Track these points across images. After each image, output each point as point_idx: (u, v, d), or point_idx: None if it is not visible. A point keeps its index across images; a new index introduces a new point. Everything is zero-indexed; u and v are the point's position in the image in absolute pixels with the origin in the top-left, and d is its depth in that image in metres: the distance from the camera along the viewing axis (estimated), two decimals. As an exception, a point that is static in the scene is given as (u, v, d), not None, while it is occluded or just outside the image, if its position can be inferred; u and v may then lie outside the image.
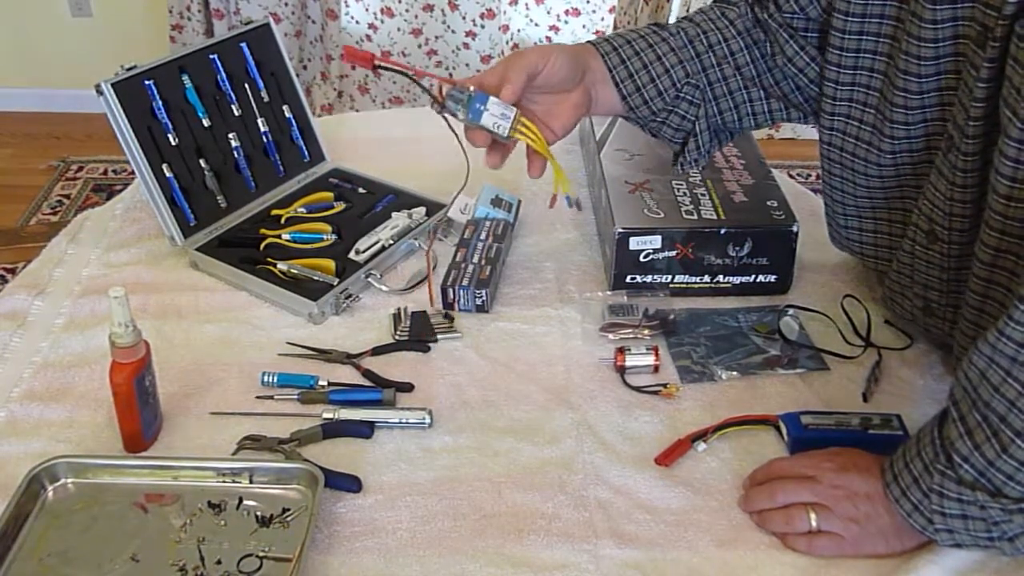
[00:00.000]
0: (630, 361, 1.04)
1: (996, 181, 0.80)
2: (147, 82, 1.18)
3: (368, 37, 3.38)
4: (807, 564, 0.83)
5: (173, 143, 1.21)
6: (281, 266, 1.16)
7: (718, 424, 0.96)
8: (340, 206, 1.29)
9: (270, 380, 1.01)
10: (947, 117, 0.89)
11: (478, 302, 1.13)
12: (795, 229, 1.13)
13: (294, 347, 1.07)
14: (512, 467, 0.93)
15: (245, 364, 1.04)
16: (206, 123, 1.25)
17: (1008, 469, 0.74)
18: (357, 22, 3.36)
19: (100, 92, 1.14)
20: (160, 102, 1.20)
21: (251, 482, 0.88)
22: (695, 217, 1.14)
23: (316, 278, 1.15)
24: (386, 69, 0.98)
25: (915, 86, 0.90)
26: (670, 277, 1.15)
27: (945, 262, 0.93)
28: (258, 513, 0.86)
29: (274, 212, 1.28)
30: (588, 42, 1.05)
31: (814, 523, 0.84)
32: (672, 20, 1.16)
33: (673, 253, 1.13)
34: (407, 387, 1.02)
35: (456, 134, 0.98)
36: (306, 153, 1.37)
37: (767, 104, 1.07)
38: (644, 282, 1.15)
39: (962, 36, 0.84)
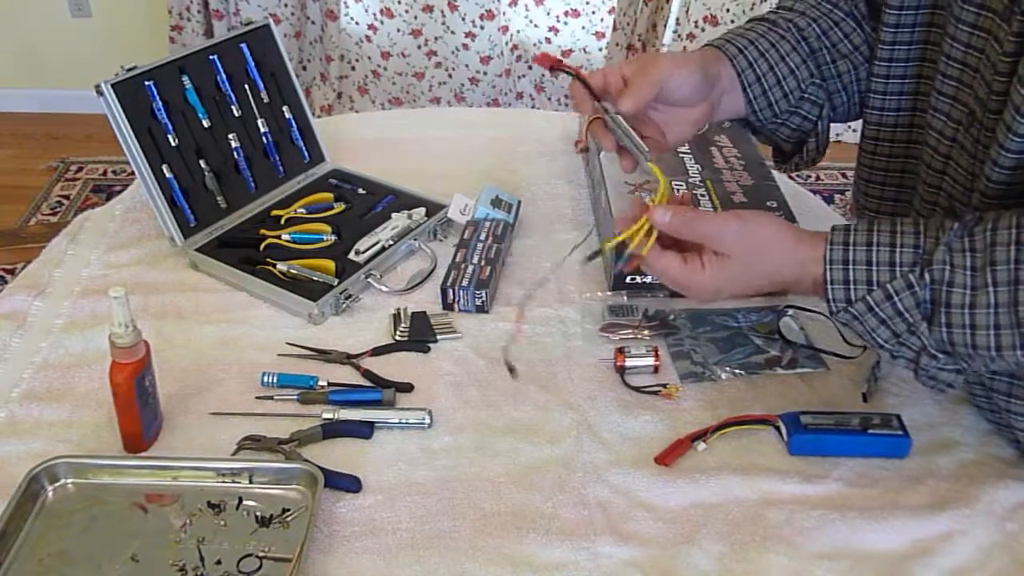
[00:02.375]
0: (630, 361, 1.04)
1: (1000, 154, 0.80)
2: (147, 83, 1.18)
3: (367, 38, 3.38)
4: (806, 563, 0.83)
5: (173, 144, 1.21)
6: (281, 266, 1.16)
7: (718, 424, 0.96)
8: (340, 207, 1.29)
9: (270, 380, 1.01)
10: (962, 94, 0.88)
11: (478, 302, 1.13)
12: (795, 229, 1.13)
13: (294, 347, 1.07)
14: (512, 467, 0.93)
15: (245, 364, 1.04)
16: (206, 124, 1.25)
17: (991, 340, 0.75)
18: (357, 23, 3.36)
19: (100, 93, 1.14)
20: (160, 103, 1.20)
21: (251, 482, 0.88)
22: (695, 217, 1.14)
23: (316, 278, 1.15)
24: (563, 71, 0.94)
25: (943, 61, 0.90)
26: (670, 277, 1.15)
27: None
28: (258, 513, 0.86)
29: (274, 213, 1.28)
30: (713, 44, 1.02)
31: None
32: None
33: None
34: (407, 387, 1.02)
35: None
36: (306, 154, 1.37)
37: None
38: (644, 282, 1.15)
39: (987, 8, 0.84)
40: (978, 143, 0.85)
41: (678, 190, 1.20)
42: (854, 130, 3.17)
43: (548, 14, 3.34)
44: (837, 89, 1.05)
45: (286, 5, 3.28)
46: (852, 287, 0.80)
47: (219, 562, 0.81)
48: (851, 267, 0.80)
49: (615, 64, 0.97)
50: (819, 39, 1.03)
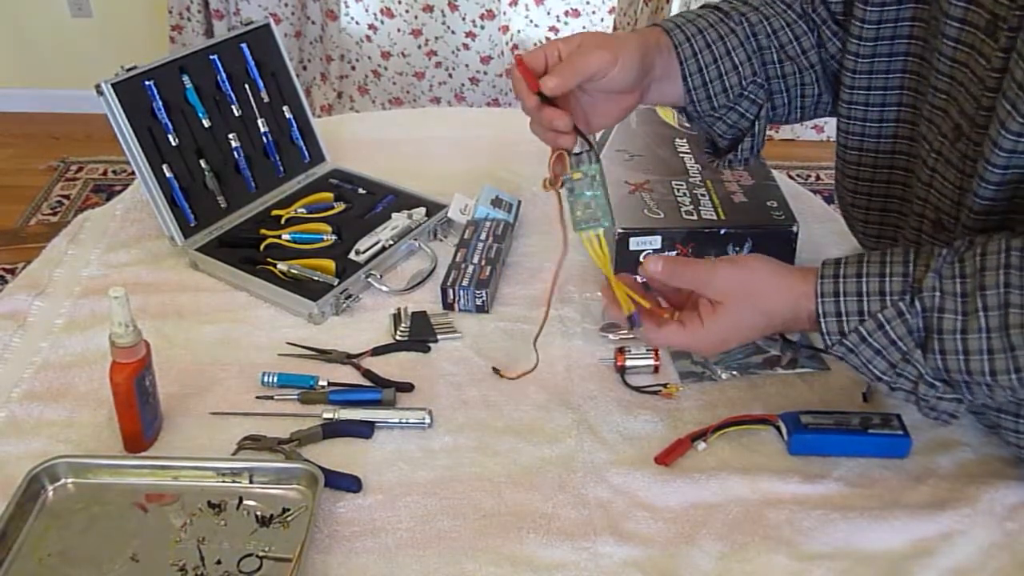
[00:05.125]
0: (630, 361, 1.04)
1: (986, 169, 0.80)
2: (147, 82, 1.19)
3: (368, 38, 3.38)
4: (806, 563, 0.83)
5: (173, 143, 1.21)
6: (281, 266, 1.16)
7: (718, 424, 0.96)
8: (340, 206, 1.29)
9: (270, 380, 1.01)
10: (950, 106, 0.88)
11: (478, 302, 1.13)
12: (795, 229, 1.13)
13: (294, 347, 1.07)
14: (512, 467, 0.93)
15: (245, 364, 1.04)
16: (206, 123, 1.25)
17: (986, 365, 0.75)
18: (357, 23, 3.36)
19: (100, 92, 1.14)
20: (160, 102, 1.20)
21: (251, 482, 0.88)
22: (695, 217, 1.14)
23: (316, 278, 1.15)
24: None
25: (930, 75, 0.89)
26: (670, 277, 1.15)
27: None
28: (258, 513, 0.86)
29: (274, 212, 1.28)
30: (659, 25, 1.00)
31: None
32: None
33: (673, 253, 1.13)
34: (407, 387, 1.02)
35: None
36: (306, 154, 1.37)
37: (817, 89, 1.04)
38: (644, 282, 1.15)
39: (969, 23, 0.83)
40: (965, 157, 0.85)
41: (678, 190, 1.20)
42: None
43: (548, 14, 3.34)
44: (780, 90, 1.04)
45: (286, 5, 3.28)
46: (844, 319, 0.80)
47: (219, 562, 0.81)
48: (842, 299, 0.80)
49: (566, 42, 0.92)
50: (768, 38, 1.01)
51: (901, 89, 0.96)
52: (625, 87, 0.93)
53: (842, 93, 0.99)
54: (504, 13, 3.31)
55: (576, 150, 0.88)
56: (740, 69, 1.00)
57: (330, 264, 1.17)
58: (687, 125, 1.37)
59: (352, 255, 1.19)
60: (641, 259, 0.87)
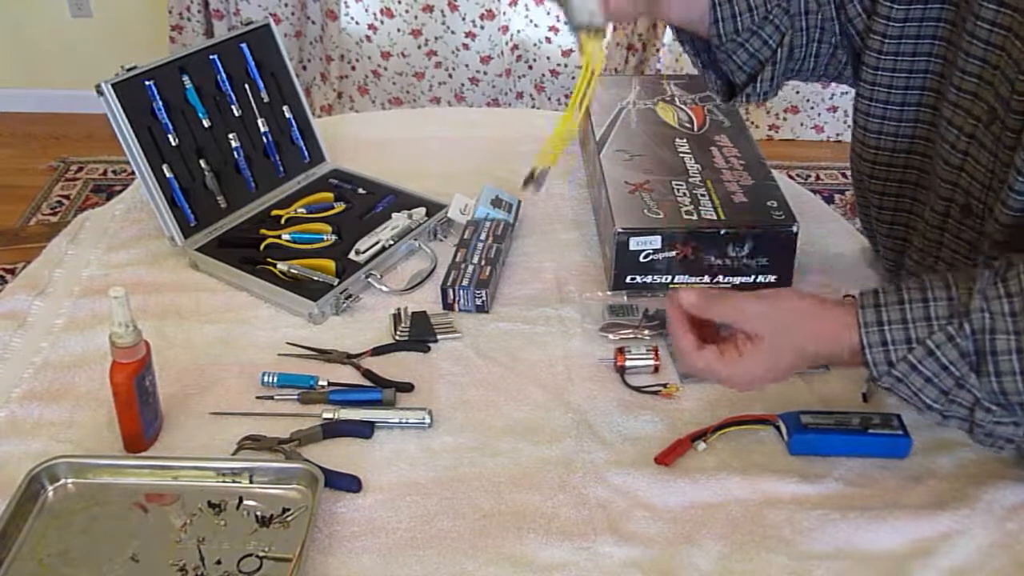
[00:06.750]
0: (630, 361, 1.04)
1: (1016, 180, 0.79)
2: (147, 82, 1.19)
3: (368, 38, 3.38)
4: (806, 563, 0.83)
5: (173, 143, 1.21)
6: (281, 266, 1.16)
7: (718, 424, 0.96)
8: (340, 206, 1.29)
9: (270, 380, 1.01)
10: (983, 91, 0.87)
11: (478, 302, 1.13)
12: (795, 229, 1.13)
13: (294, 347, 1.07)
14: (512, 467, 0.93)
15: (245, 364, 1.04)
16: (206, 123, 1.25)
17: None
18: (357, 23, 3.36)
19: (100, 92, 1.14)
20: (160, 102, 1.20)
21: (251, 482, 0.88)
22: (695, 217, 1.14)
23: (316, 278, 1.15)
24: None
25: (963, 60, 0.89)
26: (670, 277, 1.15)
27: (976, 239, 0.92)
28: (258, 513, 0.86)
29: (274, 212, 1.28)
30: None
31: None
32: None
33: (673, 253, 1.13)
34: (407, 387, 1.02)
35: None
36: (306, 154, 1.37)
37: (835, 41, 1.03)
38: (644, 282, 1.15)
39: (1008, 6, 0.83)
40: (999, 142, 0.84)
41: (678, 190, 1.20)
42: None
43: (548, 14, 3.34)
44: (801, 28, 1.02)
45: (286, 5, 3.28)
46: (892, 348, 0.77)
47: (219, 562, 0.81)
48: (887, 327, 0.77)
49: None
50: None
51: (926, 73, 0.95)
52: None
53: (865, 74, 0.98)
54: (504, 13, 3.31)
55: None
56: None
57: (330, 264, 1.17)
58: (688, 125, 1.37)
59: (352, 255, 1.19)
60: (668, 290, 0.86)
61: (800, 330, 0.81)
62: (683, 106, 1.41)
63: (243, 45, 1.29)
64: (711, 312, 0.84)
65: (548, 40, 3.37)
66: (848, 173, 3.25)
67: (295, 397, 1.00)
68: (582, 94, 0.86)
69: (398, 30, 3.36)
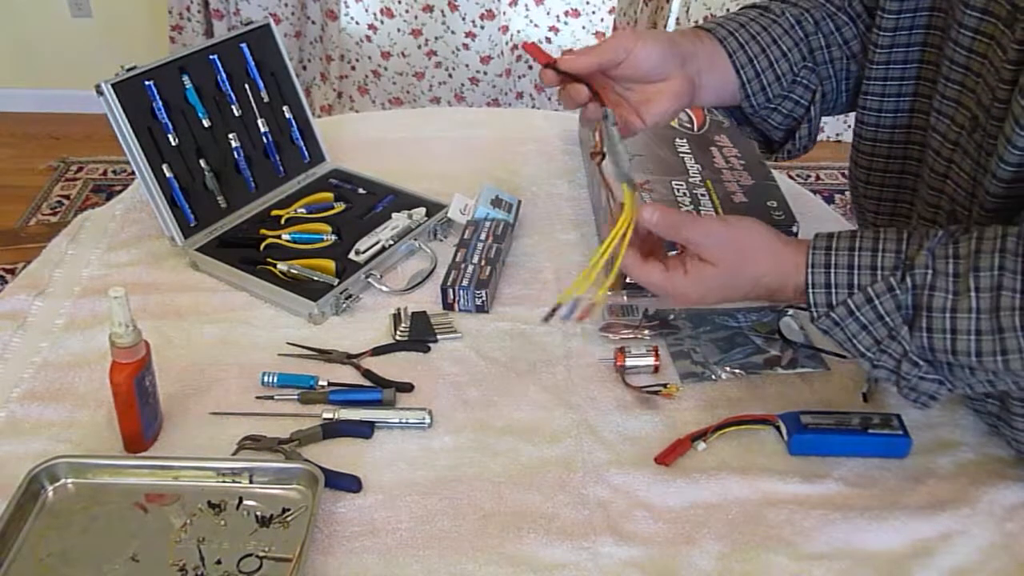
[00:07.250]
0: (630, 361, 1.04)
1: (998, 167, 0.80)
2: (147, 82, 1.18)
3: (368, 38, 3.38)
4: (806, 563, 0.83)
5: (173, 143, 1.21)
6: (281, 266, 1.16)
7: (718, 424, 0.96)
8: (340, 206, 1.29)
9: (270, 380, 1.01)
10: (965, 98, 0.88)
11: (478, 302, 1.13)
12: (795, 229, 1.13)
13: (294, 347, 1.07)
14: (512, 467, 0.93)
15: (245, 364, 1.04)
16: (206, 123, 1.25)
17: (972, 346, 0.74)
18: (357, 23, 3.36)
19: (100, 92, 1.14)
20: (160, 102, 1.20)
21: (251, 482, 0.88)
22: (695, 217, 1.14)
23: (316, 278, 1.15)
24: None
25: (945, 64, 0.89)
26: (670, 277, 1.14)
27: None
28: (258, 513, 0.86)
29: (274, 212, 1.28)
30: (698, 27, 1.01)
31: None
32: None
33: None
34: (407, 387, 1.02)
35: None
36: (306, 154, 1.37)
37: (859, 83, 1.03)
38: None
39: (990, 14, 0.83)
40: (981, 148, 0.85)
41: (678, 190, 1.20)
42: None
43: (548, 14, 3.34)
44: (828, 75, 1.04)
45: (286, 5, 3.28)
46: (833, 291, 0.79)
47: (219, 562, 0.81)
48: (832, 271, 0.80)
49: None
50: (813, 25, 1.02)
51: (917, 80, 0.96)
52: (656, 71, 0.93)
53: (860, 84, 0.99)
54: (504, 13, 3.31)
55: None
56: (789, 55, 1.01)
57: (330, 264, 1.17)
58: (688, 125, 1.37)
59: (352, 255, 1.19)
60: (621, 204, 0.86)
61: (753, 262, 0.83)
62: (683, 106, 1.41)
63: (243, 45, 1.29)
64: (680, 235, 0.85)
65: (548, 40, 3.37)
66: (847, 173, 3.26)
67: (295, 397, 1.00)
68: (615, 244, 0.86)
69: (398, 30, 3.36)
